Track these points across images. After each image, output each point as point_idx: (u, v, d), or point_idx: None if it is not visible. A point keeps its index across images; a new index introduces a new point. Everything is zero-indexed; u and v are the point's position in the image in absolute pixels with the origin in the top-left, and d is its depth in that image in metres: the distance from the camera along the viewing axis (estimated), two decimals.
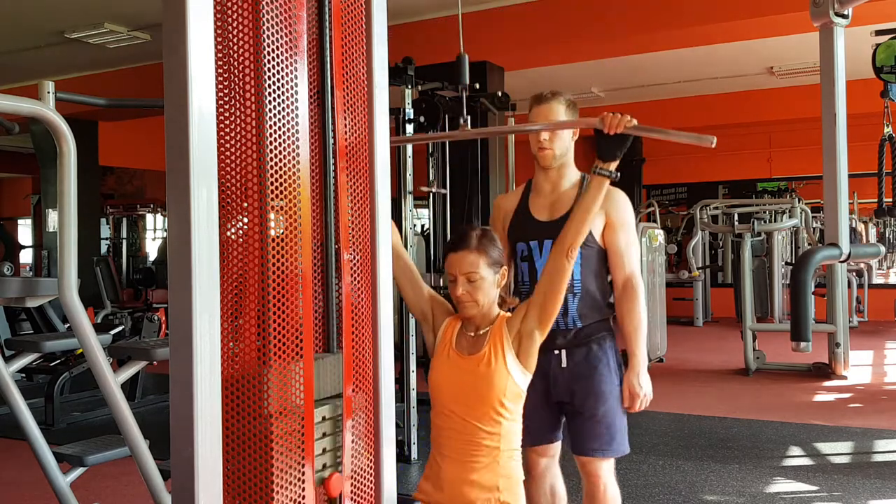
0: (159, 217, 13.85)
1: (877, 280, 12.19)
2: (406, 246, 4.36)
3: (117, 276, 9.84)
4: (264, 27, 1.41)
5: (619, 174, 1.95)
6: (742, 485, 3.90)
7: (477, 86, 5.40)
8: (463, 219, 5.34)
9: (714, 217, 10.96)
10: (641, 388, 2.33)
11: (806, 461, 4.38)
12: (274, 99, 1.43)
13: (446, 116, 4.76)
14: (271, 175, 1.42)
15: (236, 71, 1.40)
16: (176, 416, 1.28)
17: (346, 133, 1.64)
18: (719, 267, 11.97)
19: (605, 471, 2.39)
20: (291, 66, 1.46)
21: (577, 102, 2.44)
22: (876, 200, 3.65)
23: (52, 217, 7.83)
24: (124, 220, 12.87)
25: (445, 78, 4.82)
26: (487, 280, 1.93)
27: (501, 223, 2.51)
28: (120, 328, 6.57)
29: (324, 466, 1.54)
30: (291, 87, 1.46)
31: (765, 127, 11.42)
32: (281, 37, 1.44)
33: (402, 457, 4.26)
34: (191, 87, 1.26)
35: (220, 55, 1.37)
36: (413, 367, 4.31)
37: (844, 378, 6.73)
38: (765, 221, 10.35)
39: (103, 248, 11.53)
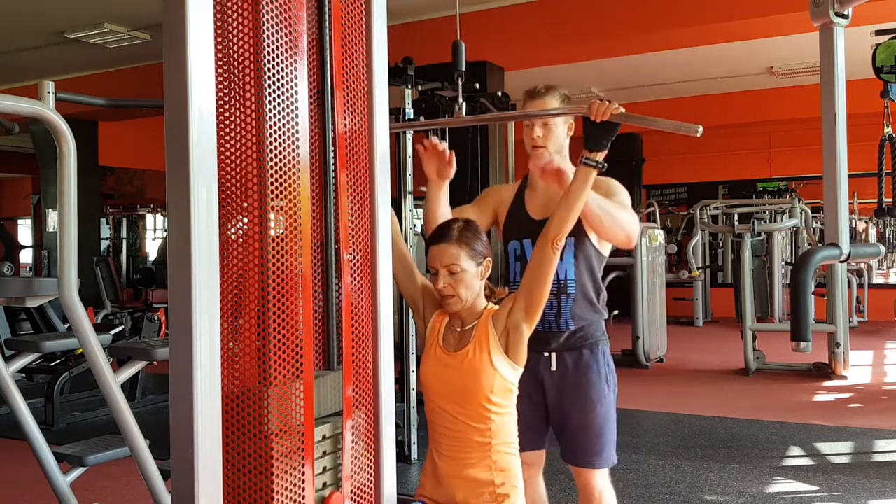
0: (159, 217, 13.85)
1: (877, 280, 12.19)
2: (406, 245, 4.36)
3: (117, 276, 9.83)
4: (264, 27, 1.41)
5: (606, 164, 1.90)
6: (742, 485, 3.90)
7: (477, 86, 5.41)
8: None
9: (714, 217, 10.96)
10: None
11: (806, 461, 4.38)
12: (274, 99, 1.43)
13: (446, 116, 4.76)
14: (271, 175, 1.42)
15: (236, 71, 1.40)
16: (176, 416, 1.28)
17: (346, 133, 1.64)
18: (719, 267, 11.97)
19: (599, 478, 2.33)
20: (291, 66, 1.46)
21: (571, 97, 2.39)
22: (876, 200, 3.65)
23: (52, 217, 7.84)
24: (124, 220, 12.87)
25: (445, 78, 4.82)
26: (469, 272, 1.91)
27: (494, 205, 2.45)
28: (120, 328, 6.57)
29: (324, 485, 1.54)
30: (291, 87, 1.46)
31: (765, 127, 11.42)
32: (281, 37, 1.44)
33: (402, 457, 4.26)
34: (191, 87, 1.26)
35: (220, 55, 1.37)
36: (413, 366, 4.31)
37: (844, 378, 6.73)
38: (765, 221, 10.35)
39: (103, 248, 11.53)
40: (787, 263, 9.83)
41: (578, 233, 2.28)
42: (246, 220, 1.41)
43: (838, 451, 4.61)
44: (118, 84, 8.50)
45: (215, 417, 1.30)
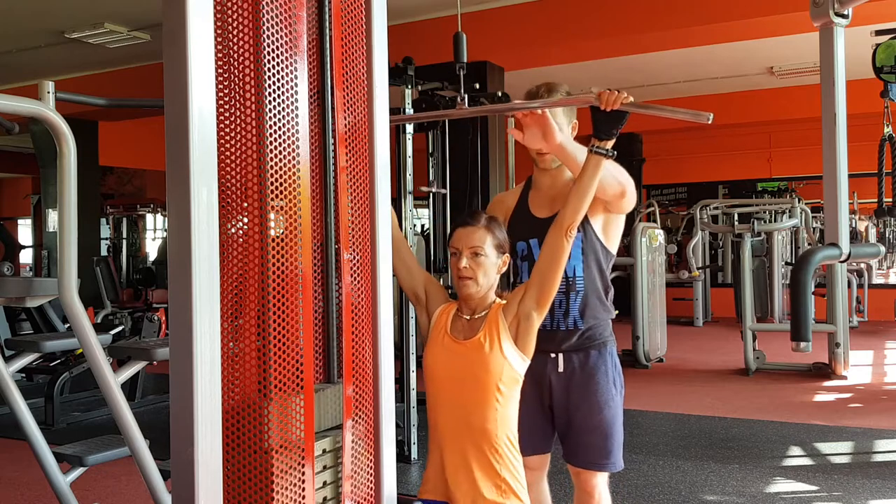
0: (159, 217, 13.83)
1: (877, 280, 12.19)
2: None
3: (117, 276, 9.83)
4: (264, 27, 1.41)
5: (615, 153, 1.92)
6: (742, 485, 3.90)
7: (477, 86, 5.41)
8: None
9: (714, 217, 10.96)
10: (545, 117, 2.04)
11: (806, 461, 4.38)
12: (274, 99, 1.43)
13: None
14: (271, 175, 1.42)
15: (236, 71, 1.40)
16: (176, 416, 1.28)
17: (346, 133, 1.64)
18: (719, 267, 11.97)
19: (601, 481, 2.30)
20: (291, 66, 1.46)
21: (572, 94, 2.38)
22: (876, 200, 3.65)
23: (52, 217, 7.83)
24: (124, 220, 12.85)
25: (445, 78, 4.82)
26: (490, 259, 1.95)
27: (503, 217, 2.41)
28: (120, 328, 6.57)
29: (324, 500, 1.54)
30: (291, 87, 1.46)
31: (765, 127, 11.42)
32: (281, 37, 1.44)
33: (402, 457, 4.26)
34: (191, 87, 1.26)
35: (220, 55, 1.37)
36: (413, 367, 4.31)
37: (844, 378, 6.73)
38: (765, 221, 10.35)
39: (103, 248, 11.52)
40: (787, 263, 9.83)
41: (586, 229, 2.27)
42: (246, 219, 1.41)
43: (838, 451, 4.61)
44: (118, 84, 8.50)
45: (215, 418, 1.30)
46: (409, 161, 4.34)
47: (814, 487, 3.88)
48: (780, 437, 4.83)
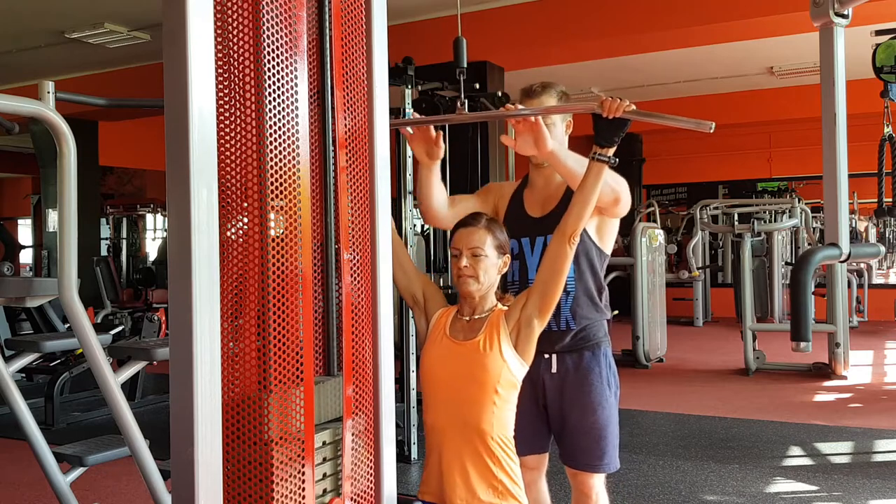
0: (159, 217, 13.83)
1: (877, 280, 12.19)
2: (406, 246, 4.36)
3: (117, 276, 9.83)
4: (264, 27, 1.41)
5: (617, 160, 1.93)
6: (742, 485, 3.90)
7: (477, 86, 5.40)
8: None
9: (714, 217, 10.96)
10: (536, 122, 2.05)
11: (806, 461, 4.38)
12: (274, 99, 1.43)
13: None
14: (271, 175, 1.42)
15: (236, 71, 1.40)
16: (176, 416, 1.29)
17: (346, 133, 1.64)
18: (719, 267, 11.97)
19: (597, 482, 2.30)
20: (291, 66, 1.46)
21: (569, 94, 2.36)
22: (876, 200, 3.65)
23: (52, 217, 7.83)
24: (124, 220, 12.85)
25: (445, 78, 4.82)
26: (490, 259, 1.97)
27: (494, 201, 2.43)
28: (120, 328, 6.57)
29: (324, 492, 1.54)
30: (291, 87, 1.46)
31: (765, 127, 11.42)
32: (281, 37, 1.44)
33: (402, 457, 4.26)
34: (191, 87, 1.26)
35: (220, 55, 1.37)
36: (413, 367, 4.31)
37: (844, 378, 6.73)
38: (765, 221, 10.35)
39: (103, 248, 11.52)
40: (787, 263, 9.82)
41: None
42: (246, 220, 1.41)
43: (838, 451, 4.61)
44: (118, 84, 8.50)
45: (215, 418, 1.30)
46: (409, 161, 4.35)
47: (814, 487, 3.88)
48: (780, 437, 4.83)
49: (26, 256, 13.85)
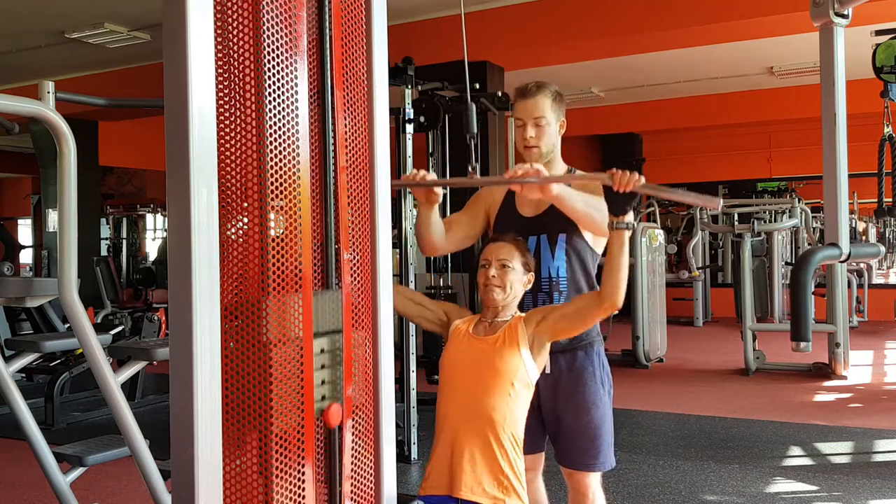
0: (159, 217, 13.83)
1: (877, 280, 12.20)
2: (406, 246, 4.36)
3: (117, 276, 9.83)
4: (264, 27, 1.41)
5: (634, 225, 1.96)
6: (742, 485, 3.90)
7: (477, 86, 5.40)
8: None
9: (714, 217, 10.96)
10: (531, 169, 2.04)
11: (806, 461, 4.38)
12: (274, 99, 1.43)
13: (446, 116, 4.76)
14: (271, 175, 1.42)
15: (236, 71, 1.40)
16: (176, 416, 1.28)
17: (346, 133, 1.64)
18: (719, 267, 11.98)
19: (593, 481, 2.31)
20: (291, 66, 1.46)
21: (563, 94, 2.37)
22: (876, 200, 3.65)
23: (52, 217, 7.83)
24: (124, 220, 12.86)
25: (445, 78, 4.82)
26: (517, 272, 2.08)
27: (487, 206, 2.43)
28: (120, 328, 6.57)
29: (323, 398, 1.53)
30: (291, 87, 1.46)
31: (765, 127, 11.42)
32: (281, 37, 1.44)
33: (402, 457, 4.26)
34: (191, 87, 1.26)
35: (220, 55, 1.37)
36: (413, 367, 4.31)
37: (844, 378, 6.73)
38: (765, 221, 10.35)
39: (103, 248, 11.52)
40: (787, 263, 9.83)
41: (570, 230, 2.27)
42: (246, 220, 1.41)
43: (838, 451, 4.61)
44: (118, 84, 8.50)
45: (215, 417, 1.30)
46: (409, 161, 4.34)
47: (814, 487, 3.88)
48: (780, 437, 4.83)
49: (26, 256, 13.85)
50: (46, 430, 3.30)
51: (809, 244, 10.53)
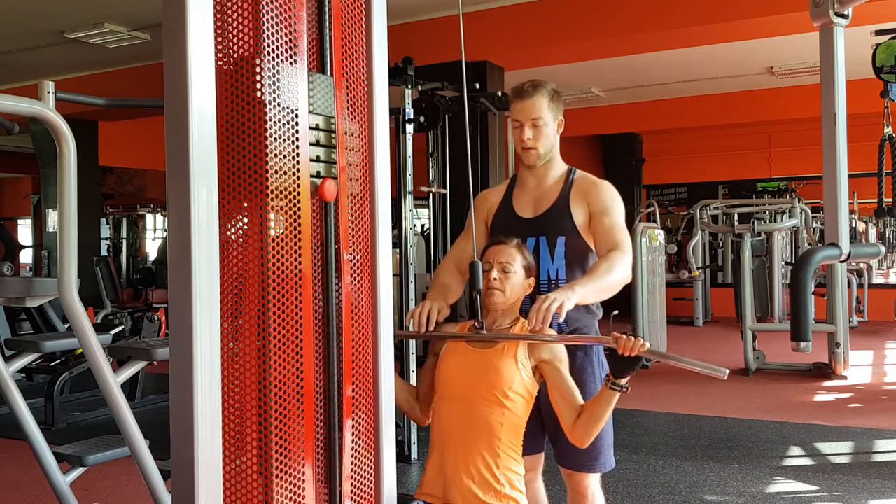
0: (159, 217, 13.84)
1: (877, 280, 12.19)
2: (406, 246, 4.36)
3: (117, 276, 9.83)
4: (264, 27, 1.41)
5: (629, 388, 1.94)
6: (742, 485, 3.90)
7: (477, 86, 5.41)
8: (463, 219, 5.34)
9: (714, 217, 10.96)
10: (555, 301, 1.96)
11: (806, 461, 4.38)
12: (274, 99, 1.43)
13: (446, 116, 4.76)
14: (271, 175, 1.42)
15: (236, 71, 1.40)
16: (176, 416, 1.29)
17: (345, 133, 1.64)
18: (719, 267, 11.97)
19: (592, 481, 2.31)
20: (291, 65, 1.46)
21: (560, 92, 2.35)
22: (876, 200, 3.65)
23: (52, 217, 7.84)
24: (124, 220, 12.86)
25: (445, 78, 4.82)
26: (518, 276, 2.07)
27: (485, 215, 2.42)
28: (120, 328, 6.57)
29: (318, 174, 1.52)
30: (291, 87, 1.46)
31: (765, 127, 11.42)
32: (281, 37, 1.44)
33: (402, 457, 4.26)
34: (191, 87, 1.26)
35: (220, 55, 1.37)
36: (413, 367, 4.31)
37: (844, 378, 6.73)
38: (765, 221, 10.35)
39: (103, 248, 11.52)
40: (787, 263, 9.83)
41: (570, 233, 2.26)
42: (246, 220, 1.41)
43: (838, 451, 4.61)
44: (118, 84, 8.50)
45: (215, 417, 1.30)
46: (409, 161, 4.34)
47: (814, 487, 3.88)
48: (780, 437, 4.83)
49: (26, 256, 13.85)
50: (46, 430, 3.29)
51: (809, 244, 10.53)
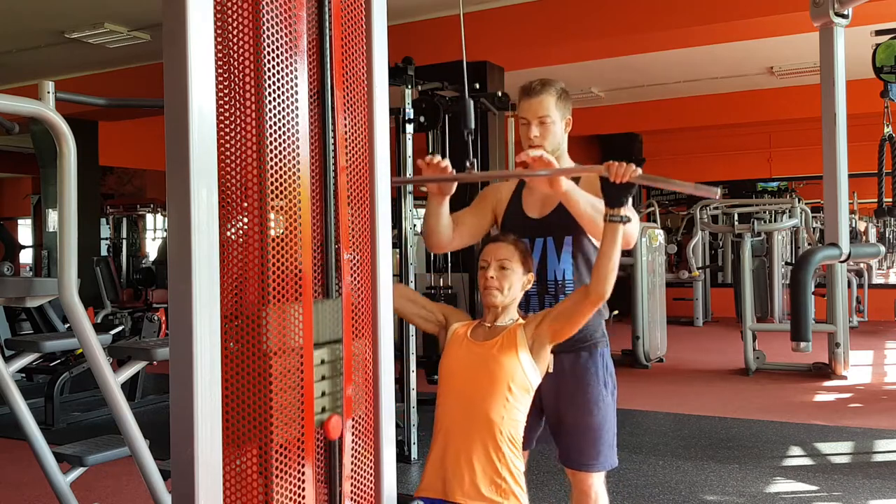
0: (159, 217, 13.84)
1: (877, 280, 12.20)
2: (406, 246, 4.36)
3: (117, 276, 9.83)
4: (264, 27, 1.41)
5: (629, 218, 1.94)
6: (742, 485, 3.90)
7: (477, 86, 5.40)
8: None
9: (714, 217, 10.97)
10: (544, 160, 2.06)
11: (806, 461, 4.38)
12: (274, 99, 1.43)
13: (446, 116, 4.76)
14: (271, 175, 1.42)
15: (236, 71, 1.40)
16: (176, 416, 1.28)
17: (346, 133, 1.63)
18: (719, 267, 11.98)
19: (595, 481, 2.31)
20: (291, 66, 1.46)
21: (568, 91, 2.36)
22: (876, 200, 3.65)
23: (52, 217, 7.84)
24: (124, 220, 12.86)
25: (445, 78, 4.82)
26: (516, 273, 2.06)
27: (493, 204, 2.43)
28: (120, 328, 6.57)
29: (323, 410, 1.53)
30: (291, 87, 1.46)
31: (765, 127, 11.42)
32: (281, 37, 1.44)
33: (402, 457, 4.26)
34: (191, 87, 1.26)
35: (220, 55, 1.37)
36: (413, 367, 4.31)
37: (844, 378, 6.73)
38: (765, 221, 10.35)
39: (103, 248, 11.52)
40: (787, 263, 9.83)
41: (577, 232, 2.26)
42: (246, 220, 1.41)
43: (838, 451, 4.61)
44: (118, 84, 8.50)
45: (215, 417, 1.30)
46: (409, 161, 4.34)
47: (814, 487, 3.88)
48: (780, 437, 4.83)
49: (26, 256, 13.85)
50: (46, 430, 3.30)
51: (809, 244, 10.54)
